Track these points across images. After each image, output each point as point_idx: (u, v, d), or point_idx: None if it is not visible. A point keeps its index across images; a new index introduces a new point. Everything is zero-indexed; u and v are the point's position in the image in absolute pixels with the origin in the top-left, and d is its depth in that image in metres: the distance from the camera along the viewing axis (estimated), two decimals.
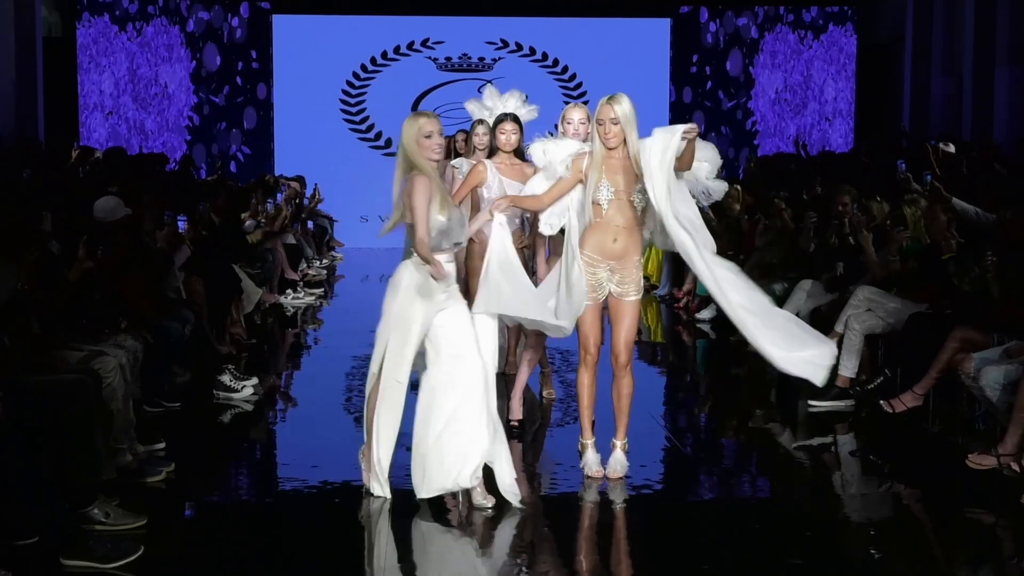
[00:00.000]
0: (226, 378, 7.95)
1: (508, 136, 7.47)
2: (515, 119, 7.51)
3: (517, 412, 7.15)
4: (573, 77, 19.00)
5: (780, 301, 9.57)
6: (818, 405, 7.85)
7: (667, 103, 18.93)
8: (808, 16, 19.18)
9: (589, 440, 6.24)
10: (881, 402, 7.52)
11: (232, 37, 18.67)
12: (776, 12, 19.12)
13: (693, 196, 6.10)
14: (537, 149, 6.29)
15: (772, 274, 9.82)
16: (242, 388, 7.97)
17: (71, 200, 8.25)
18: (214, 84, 18.66)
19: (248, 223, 11.80)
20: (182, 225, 8.83)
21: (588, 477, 6.15)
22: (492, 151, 7.61)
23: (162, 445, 6.52)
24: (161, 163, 13.91)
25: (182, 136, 18.56)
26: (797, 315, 8.79)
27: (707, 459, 6.91)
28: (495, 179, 7.49)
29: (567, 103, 20.22)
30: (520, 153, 7.55)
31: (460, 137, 10.45)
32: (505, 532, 5.46)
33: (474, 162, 7.74)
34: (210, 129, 18.69)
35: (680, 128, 5.84)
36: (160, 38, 18.50)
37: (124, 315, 6.89)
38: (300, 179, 16.50)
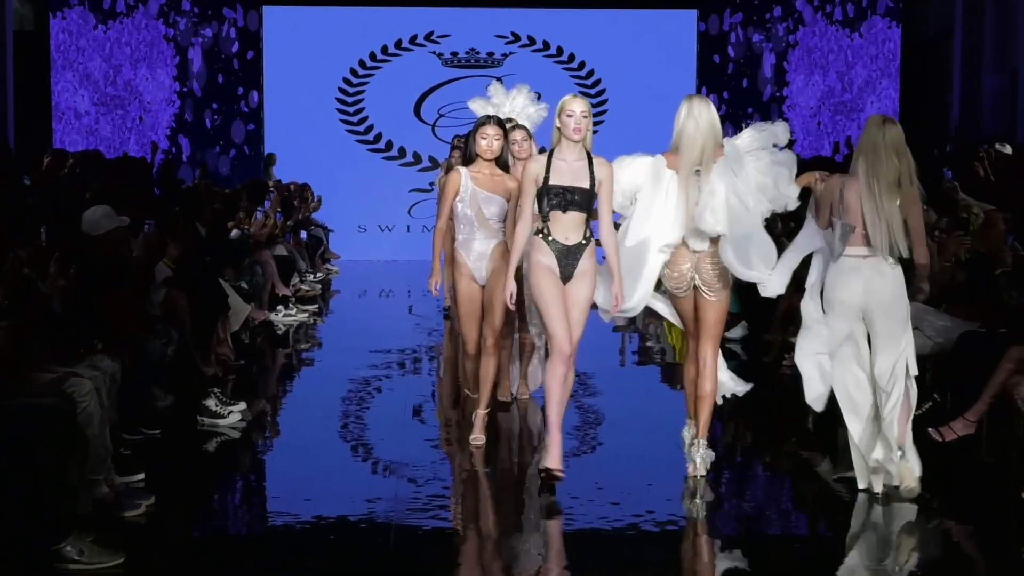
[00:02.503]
0: (211, 403, 7.95)
1: (490, 142, 7.04)
2: (499, 123, 7.11)
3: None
4: (591, 74, 18.99)
5: None
6: None
7: None
8: (849, 11, 19.13)
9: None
10: (929, 430, 7.48)
11: (220, 37, 18.70)
12: (814, 7, 19.07)
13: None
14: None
15: None
16: (229, 414, 7.97)
17: (56, 209, 8.25)
18: (200, 84, 18.70)
19: (233, 232, 11.81)
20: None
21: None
22: (469, 159, 7.20)
23: (141, 476, 6.51)
24: (142, 167, 13.93)
25: (163, 142, 18.58)
26: None
27: (737, 491, 6.89)
28: (468, 191, 7.12)
29: None
30: (503, 163, 7.15)
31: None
32: (517, 568, 5.46)
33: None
34: (195, 132, 18.73)
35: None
36: (141, 35, 18.53)
37: (100, 334, 6.87)
38: (305, 187, 16.57)
